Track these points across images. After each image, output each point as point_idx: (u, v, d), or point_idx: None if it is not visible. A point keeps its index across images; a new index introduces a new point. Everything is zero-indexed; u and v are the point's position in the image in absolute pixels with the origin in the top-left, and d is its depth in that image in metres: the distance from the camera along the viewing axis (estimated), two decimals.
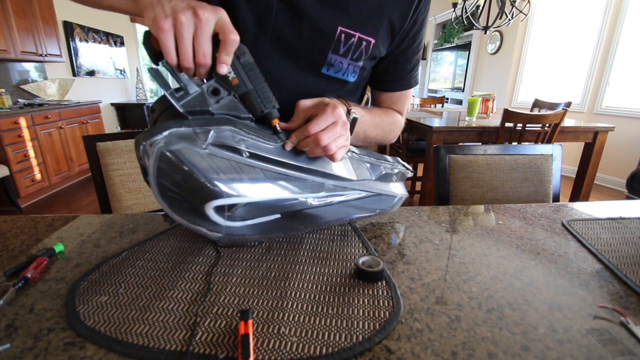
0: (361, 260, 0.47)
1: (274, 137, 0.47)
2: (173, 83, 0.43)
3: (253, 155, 0.43)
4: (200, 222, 0.41)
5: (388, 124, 0.69)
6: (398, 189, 0.61)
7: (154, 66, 0.45)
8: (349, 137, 0.50)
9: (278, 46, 0.58)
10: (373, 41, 0.59)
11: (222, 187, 0.39)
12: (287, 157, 0.47)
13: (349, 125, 0.49)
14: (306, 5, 0.55)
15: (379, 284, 0.45)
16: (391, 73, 0.67)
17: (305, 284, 0.45)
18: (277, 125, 0.48)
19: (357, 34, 0.57)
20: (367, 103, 0.81)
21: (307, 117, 0.48)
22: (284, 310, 0.40)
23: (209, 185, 0.39)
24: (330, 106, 0.47)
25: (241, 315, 0.37)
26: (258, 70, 0.46)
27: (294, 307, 0.41)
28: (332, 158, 0.47)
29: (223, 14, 0.41)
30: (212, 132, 0.41)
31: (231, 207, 0.41)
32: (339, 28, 0.56)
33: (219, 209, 0.41)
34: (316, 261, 0.50)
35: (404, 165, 0.64)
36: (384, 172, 0.59)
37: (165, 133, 0.39)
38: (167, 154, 0.38)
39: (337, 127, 0.46)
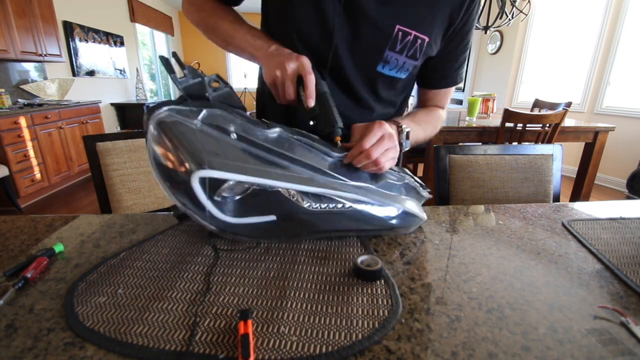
0: (360, 259, 0.47)
1: (265, 126, 0.50)
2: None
3: (241, 138, 0.46)
4: (188, 203, 0.43)
5: (432, 123, 0.74)
6: (408, 205, 0.57)
7: (164, 55, 0.48)
8: (398, 147, 0.57)
9: (337, 44, 0.62)
10: (427, 39, 0.62)
11: (205, 158, 0.42)
12: (275, 145, 0.48)
13: (396, 136, 0.57)
14: (367, 8, 0.59)
15: (378, 282, 0.45)
16: (439, 71, 0.71)
17: (304, 284, 0.45)
18: (339, 142, 0.56)
19: (413, 32, 0.61)
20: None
21: (361, 136, 0.55)
22: (284, 310, 0.40)
23: (194, 155, 0.41)
24: (377, 123, 0.55)
25: (241, 315, 0.37)
26: (327, 97, 0.57)
27: (293, 306, 0.40)
28: (380, 169, 0.55)
29: (303, 60, 0.55)
30: (204, 111, 0.46)
31: (216, 187, 0.43)
32: (397, 26, 0.60)
33: (208, 190, 0.42)
34: (315, 260, 0.50)
35: (413, 178, 0.62)
36: (388, 181, 0.58)
37: (165, 108, 0.45)
38: (162, 124, 0.43)
39: (384, 140, 0.53)
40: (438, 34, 0.63)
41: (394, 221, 0.56)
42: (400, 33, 0.60)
